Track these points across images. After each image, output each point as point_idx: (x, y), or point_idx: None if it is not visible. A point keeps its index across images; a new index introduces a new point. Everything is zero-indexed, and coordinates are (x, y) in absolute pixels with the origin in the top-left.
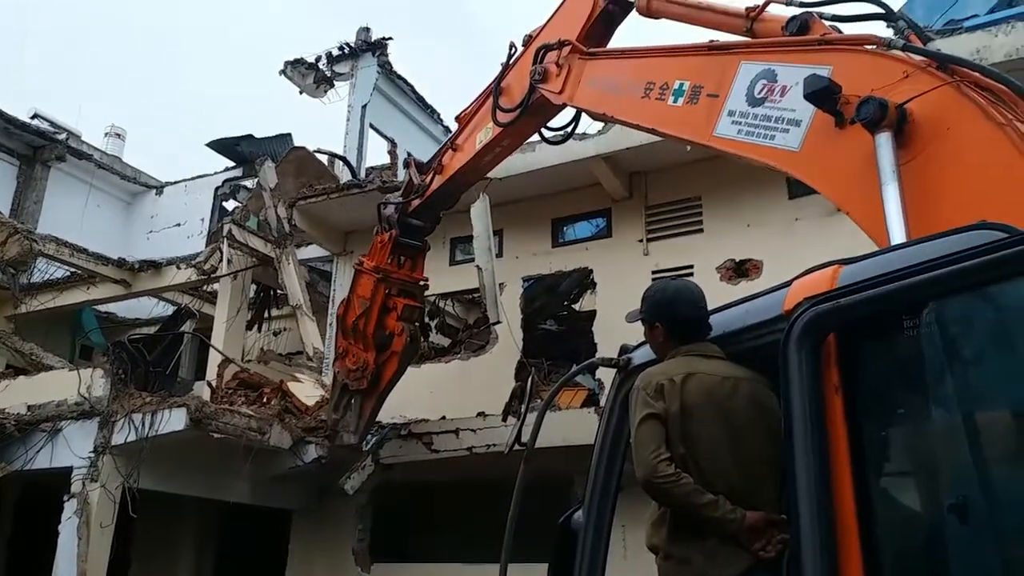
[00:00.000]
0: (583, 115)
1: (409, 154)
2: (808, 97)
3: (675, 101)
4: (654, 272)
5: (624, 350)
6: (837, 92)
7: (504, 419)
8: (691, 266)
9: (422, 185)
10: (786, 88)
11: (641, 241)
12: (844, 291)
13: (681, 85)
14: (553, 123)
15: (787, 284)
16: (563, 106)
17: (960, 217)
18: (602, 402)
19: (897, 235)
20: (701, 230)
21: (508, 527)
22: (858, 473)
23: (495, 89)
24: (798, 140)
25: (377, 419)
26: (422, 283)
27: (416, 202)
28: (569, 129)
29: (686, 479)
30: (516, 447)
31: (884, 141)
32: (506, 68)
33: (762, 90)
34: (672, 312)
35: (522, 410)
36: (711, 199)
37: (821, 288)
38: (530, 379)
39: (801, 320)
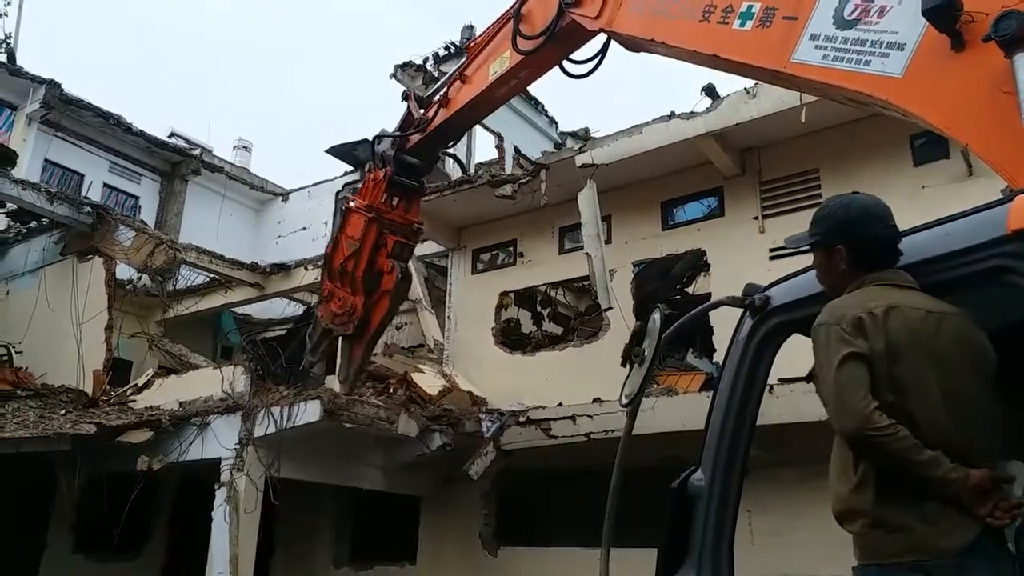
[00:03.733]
0: (609, 52)
1: (414, 93)
2: (927, 13)
3: (742, 25)
4: (771, 250)
5: (752, 289)
6: (959, 10)
7: (623, 363)
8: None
9: (423, 120)
10: (885, 8)
11: (756, 219)
12: None
13: (750, 8)
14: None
15: (1002, 201)
16: (596, 33)
17: None
18: None
19: None
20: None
21: (612, 491)
22: None
23: (516, 14)
24: (901, 65)
25: (496, 407)
26: (416, 226)
27: (415, 137)
28: (595, 62)
29: (904, 432)
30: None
31: None
32: None
33: (854, 11)
34: (860, 232)
35: (645, 353)
36: (829, 171)
37: None
38: (657, 315)
39: None
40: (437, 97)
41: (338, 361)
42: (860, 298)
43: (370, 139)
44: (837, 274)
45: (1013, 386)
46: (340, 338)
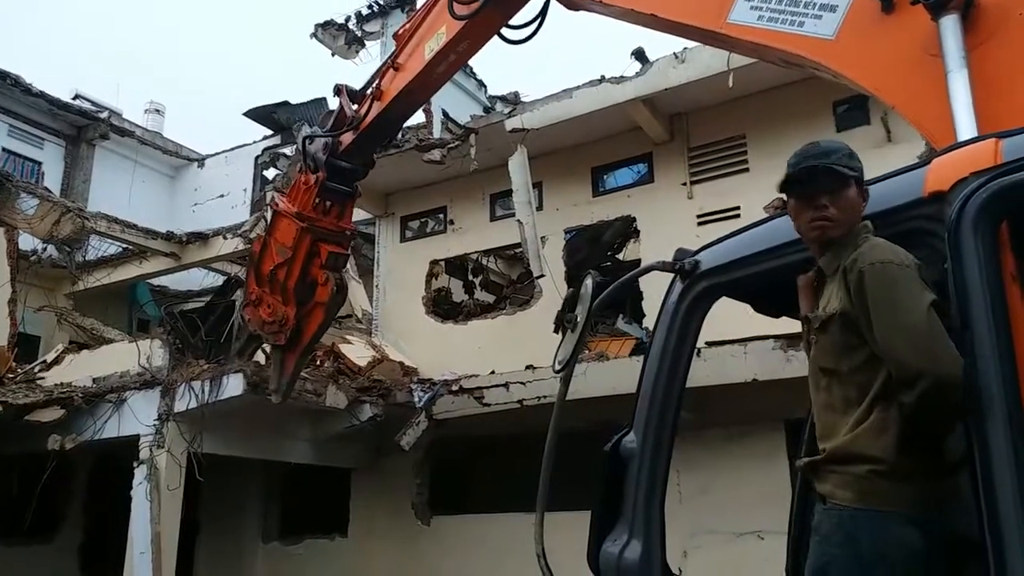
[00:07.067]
0: (550, 11)
1: (346, 87)
2: None
3: None
4: (699, 216)
5: (682, 254)
6: None
7: (556, 330)
8: (738, 207)
9: (356, 117)
10: None
11: (685, 184)
12: (1021, 166)
13: None
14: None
15: (919, 165)
16: None
17: None
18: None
19: (965, 126)
20: (747, 169)
21: (546, 456)
22: None
23: None
24: (833, 27)
25: (427, 377)
26: (349, 232)
27: (348, 137)
28: (535, 26)
29: None
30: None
31: (951, 25)
32: None
33: None
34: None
35: (577, 320)
36: (756, 137)
37: (983, 164)
38: (589, 281)
39: (978, 198)
40: (369, 91)
41: (270, 371)
42: (894, 246)
43: (292, 102)
44: (858, 215)
45: None
46: (272, 347)
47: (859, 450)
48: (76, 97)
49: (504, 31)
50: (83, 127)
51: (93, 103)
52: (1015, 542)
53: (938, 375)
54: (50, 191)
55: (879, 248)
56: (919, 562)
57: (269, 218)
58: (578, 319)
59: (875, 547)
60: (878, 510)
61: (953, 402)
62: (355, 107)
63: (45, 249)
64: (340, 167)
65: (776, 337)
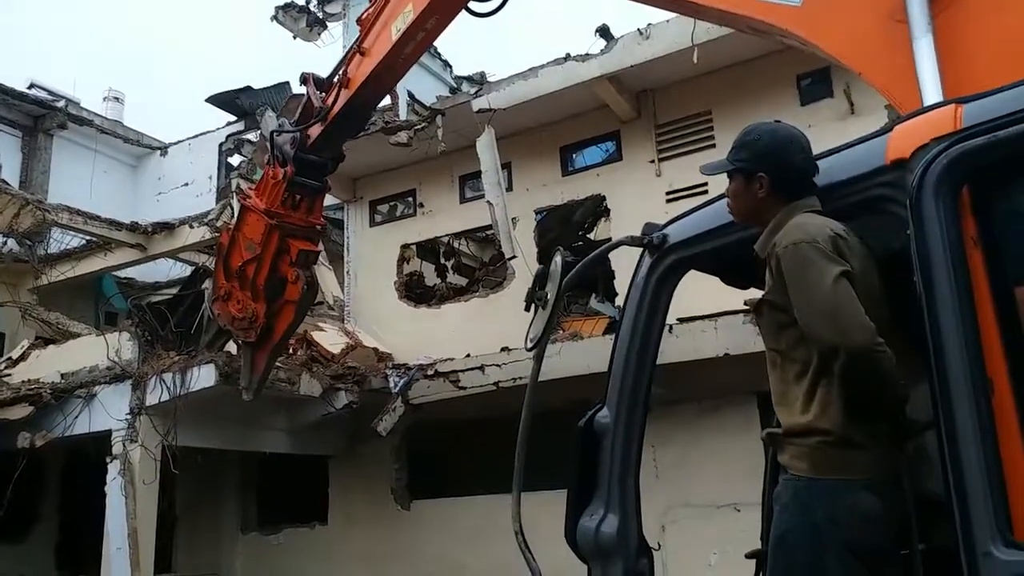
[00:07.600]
0: None
1: (310, 74)
2: None
3: None
4: (668, 193)
5: (650, 228)
6: None
7: (527, 308)
8: (706, 183)
9: (324, 108)
10: None
11: (653, 162)
12: (981, 131)
13: None
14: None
15: (881, 132)
16: None
17: (998, 72)
18: None
19: (931, 91)
20: (713, 145)
21: (521, 436)
22: (1010, 337)
23: None
24: None
25: (402, 362)
26: (319, 227)
27: (317, 129)
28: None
29: (890, 352)
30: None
31: None
32: None
33: None
34: (786, 161)
35: (548, 297)
36: (721, 112)
37: (944, 130)
38: (559, 258)
39: (938, 164)
40: (336, 78)
41: (240, 367)
42: (818, 221)
43: (255, 87)
44: (754, 201)
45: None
46: (243, 343)
47: (809, 423)
48: (31, 86)
49: (471, 4)
50: (40, 117)
51: (50, 92)
52: (979, 504)
53: (848, 346)
54: (8, 183)
55: (793, 229)
56: (875, 526)
57: (237, 210)
58: (549, 296)
59: (827, 514)
60: (830, 478)
61: (871, 369)
62: (322, 96)
63: (5, 243)
64: (309, 161)
65: (746, 312)
